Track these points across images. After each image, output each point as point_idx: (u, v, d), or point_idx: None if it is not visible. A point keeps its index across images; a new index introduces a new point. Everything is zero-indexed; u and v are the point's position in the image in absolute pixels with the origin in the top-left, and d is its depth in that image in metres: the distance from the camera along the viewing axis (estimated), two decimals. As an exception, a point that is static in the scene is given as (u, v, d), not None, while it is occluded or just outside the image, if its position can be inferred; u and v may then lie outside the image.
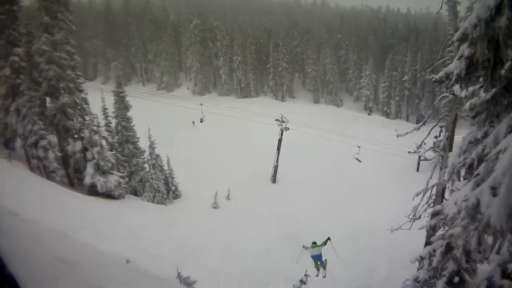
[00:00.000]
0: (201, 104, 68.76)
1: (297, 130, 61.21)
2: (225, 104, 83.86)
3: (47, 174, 35.70)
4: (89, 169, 35.46)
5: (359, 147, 58.72)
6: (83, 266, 7.95)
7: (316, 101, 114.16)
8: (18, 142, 36.65)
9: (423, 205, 20.18)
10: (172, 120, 76.32)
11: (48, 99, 36.04)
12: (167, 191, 44.29)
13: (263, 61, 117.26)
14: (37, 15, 34.55)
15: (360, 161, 59.32)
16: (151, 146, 43.41)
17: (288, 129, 57.59)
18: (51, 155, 35.31)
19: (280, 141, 58.75)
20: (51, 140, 35.72)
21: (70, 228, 18.36)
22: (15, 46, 34.08)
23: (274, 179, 58.46)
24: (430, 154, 23.90)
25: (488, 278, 9.31)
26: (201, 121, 70.66)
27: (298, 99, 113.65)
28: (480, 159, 10.13)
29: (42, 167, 35.67)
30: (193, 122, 77.63)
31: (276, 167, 58.44)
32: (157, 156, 44.17)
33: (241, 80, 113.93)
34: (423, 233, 19.46)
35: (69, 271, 6.76)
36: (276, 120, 57.99)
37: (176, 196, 46.65)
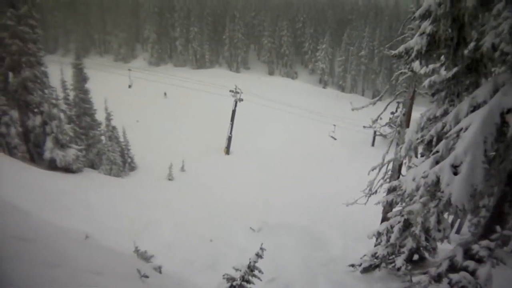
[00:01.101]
0: (129, 70, 68.13)
1: (251, 101, 61.09)
2: (180, 75, 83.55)
3: (10, 150, 34.86)
4: (49, 143, 34.67)
5: (334, 125, 59.84)
6: (41, 243, 7.68)
7: (271, 73, 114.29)
8: (-20, 121, 35.82)
9: (379, 180, 20.39)
10: (128, 92, 75.47)
11: (10, 74, 35.17)
12: (123, 163, 43.91)
13: (219, 32, 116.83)
14: (3, -10, 33.55)
15: (335, 139, 60.24)
16: (108, 118, 42.67)
17: (242, 100, 57.32)
18: (13, 130, 34.37)
19: (234, 112, 58.41)
20: (13, 115, 34.76)
21: (31, 204, 17.98)
22: (-20, 25, 33.05)
23: (227, 151, 58.33)
24: (385, 130, 24.08)
25: (450, 258, 9.41)
26: (129, 86, 70.32)
27: (253, 71, 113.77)
28: (440, 137, 10.15)
29: (5, 144, 34.89)
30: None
31: (229, 138, 58.26)
32: (114, 128, 43.54)
33: (197, 51, 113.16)
34: (379, 208, 19.58)
35: (26, 250, 6.54)
36: (230, 91, 57.62)
37: (132, 168, 46.32)
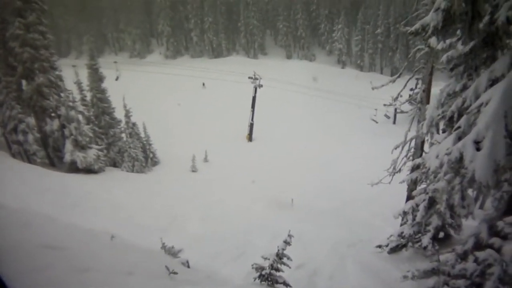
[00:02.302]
0: (115, 62, 68.33)
1: (271, 86, 61.00)
2: (197, 65, 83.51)
3: (28, 157, 35.53)
4: (68, 146, 35.11)
5: (376, 109, 61.38)
6: (70, 249, 7.71)
7: (289, 57, 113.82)
8: (-2, 131, 36.39)
9: (402, 158, 20.23)
10: (146, 87, 75.67)
11: (24, 82, 35.50)
12: (145, 159, 44.29)
13: (234, 20, 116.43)
14: (10, 1, 33.74)
15: (377, 122, 61.74)
16: (127, 115, 43.11)
17: (262, 86, 57.38)
18: (30, 137, 35.03)
19: (254, 98, 58.70)
20: (29, 122, 35.31)
21: (55, 210, 18.23)
22: (-10, 37, 33.49)
23: (250, 138, 58.60)
24: (406, 107, 23.93)
25: (475, 235, 9.35)
26: (117, 79, 70.40)
27: (271, 56, 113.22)
28: (461, 112, 10.08)
29: (23, 151, 35.53)
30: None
31: (251, 125, 58.51)
32: (134, 124, 43.90)
33: (213, 40, 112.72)
34: (404, 187, 19.47)
35: (56, 258, 6.56)
36: (249, 77, 57.77)
37: (155, 163, 46.72)
